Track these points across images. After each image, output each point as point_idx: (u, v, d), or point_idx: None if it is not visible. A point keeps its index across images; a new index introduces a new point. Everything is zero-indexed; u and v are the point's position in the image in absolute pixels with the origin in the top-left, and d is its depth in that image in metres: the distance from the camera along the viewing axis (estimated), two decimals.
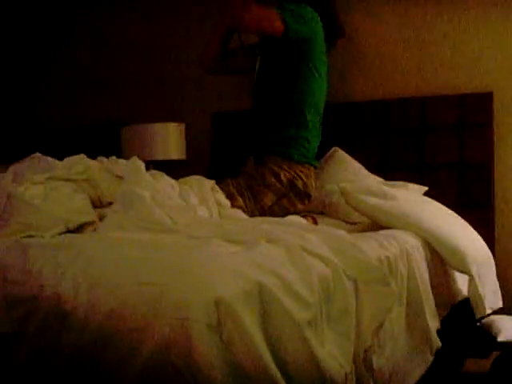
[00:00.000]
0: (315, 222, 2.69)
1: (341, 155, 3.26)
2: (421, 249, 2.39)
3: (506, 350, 2.59)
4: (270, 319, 1.39)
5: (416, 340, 2.16)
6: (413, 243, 2.36)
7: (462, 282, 2.61)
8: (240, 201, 2.61)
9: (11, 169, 2.24)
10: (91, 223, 2.02)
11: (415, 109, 3.32)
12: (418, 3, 3.38)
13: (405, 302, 2.09)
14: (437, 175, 3.20)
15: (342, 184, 2.70)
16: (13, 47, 4.39)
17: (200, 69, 3.21)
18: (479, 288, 2.51)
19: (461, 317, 2.65)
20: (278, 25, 2.64)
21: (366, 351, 1.73)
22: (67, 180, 2.12)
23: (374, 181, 3.06)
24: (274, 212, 2.68)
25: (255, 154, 2.85)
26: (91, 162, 2.24)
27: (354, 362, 1.65)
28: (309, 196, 2.80)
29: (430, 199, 2.82)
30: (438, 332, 2.28)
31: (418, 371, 2.16)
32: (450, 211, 2.79)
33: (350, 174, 3.14)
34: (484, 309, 2.53)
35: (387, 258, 2.02)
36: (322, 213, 3.04)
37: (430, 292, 2.30)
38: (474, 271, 2.49)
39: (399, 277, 2.05)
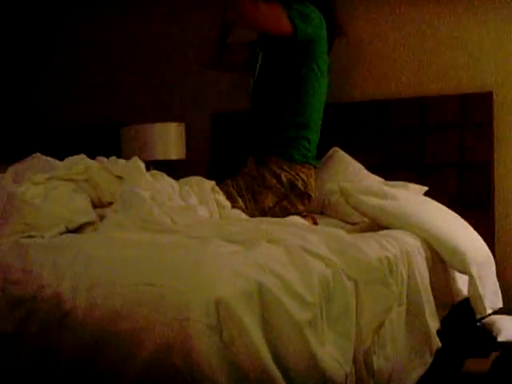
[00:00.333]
0: (315, 222, 2.69)
1: (341, 155, 3.26)
2: (421, 249, 2.38)
3: (506, 350, 2.59)
4: (270, 319, 1.39)
5: (416, 340, 2.16)
6: (413, 243, 2.35)
7: (462, 282, 2.60)
8: (240, 202, 2.61)
9: (11, 169, 2.24)
10: (91, 223, 2.02)
11: (415, 109, 3.32)
12: (418, 3, 3.38)
13: (405, 302, 2.09)
14: (437, 175, 3.20)
15: (342, 184, 2.69)
16: (13, 47, 4.39)
17: (196, 61, 3.18)
18: (479, 288, 2.51)
19: (461, 317, 2.65)
20: (286, 25, 2.62)
21: (366, 351, 1.73)
22: (67, 180, 2.12)
23: (374, 181, 3.06)
24: (275, 213, 2.68)
25: (255, 155, 2.84)
26: (91, 162, 2.23)
27: (354, 362, 1.65)
28: (309, 196, 2.79)
29: (430, 199, 2.82)
30: (438, 332, 2.28)
31: (418, 371, 2.16)
32: (450, 211, 2.78)
33: (350, 173, 3.14)
34: (484, 309, 2.53)
35: (387, 258, 2.02)
36: (322, 213, 3.04)
37: (430, 292, 2.30)
38: (474, 271, 2.49)
39: (399, 277, 2.05)
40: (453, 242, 2.50)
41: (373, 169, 3.20)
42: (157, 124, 3.66)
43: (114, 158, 2.38)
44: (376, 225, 2.60)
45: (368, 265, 1.77)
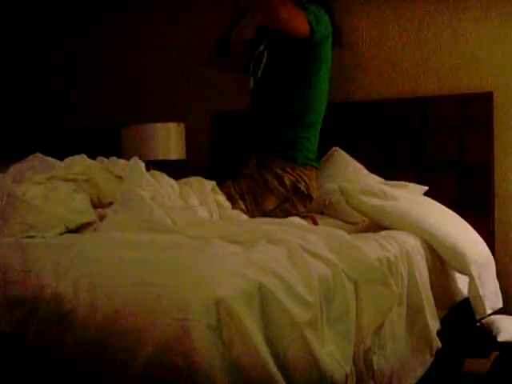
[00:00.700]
0: (315, 223, 2.69)
1: (341, 155, 3.26)
2: (421, 249, 2.39)
3: (506, 350, 2.59)
4: (270, 319, 1.39)
5: (416, 340, 2.16)
6: (413, 243, 2.36)
7: (462, 283, 2.60)
8: (241, 204, 2.60)
9: (11, 169, 2.24)
10: (91, 223, 2.02)
11: (415, 109, 3.32)
12: (418, 4, 3.38)
13: (405, 302, 2.09)
14: (437, 175, 3.19)
15: (342, 184, 2.69)
16: (13, 47, 4.39)
17: (194, 59, 3.16)
18: (479, 288, 2.51)
19: (461, 317, 2.65)
20: (306, 27, 2.62)
21: (366, 351, 1.73)
22: (67, 180, 2.12)
23: (374, 181, 3.05)
24: (276, 215, 2.66)
25: (257, 155, 2.82)
26: (91, 162, 2.23)
27: (354, 362, 1.66)
28: (311, 198, 2.78)
29: (430, 199, 2.82)
30: (438, 332, 2.28)
31: (418, 371, 2.16)
32: (450, 211, 2.78)
33: (350, 173, 3.14)
34: (484, 309, 2.53)
35: (387, 258, 2.02)
36: (322, 213, 3.03)
37: (430, 292, 2.30)
38: (473, 271, 2.49)
39: (399, 277, 2.05)
40: (453, 242, 2.50)
41: (373, 169, 3.20)
42: (157, 124, 3.66)
43: (114, 157, 2.38)
44: (376, 225, 2.60)
45: (368, 265, 1.77)
